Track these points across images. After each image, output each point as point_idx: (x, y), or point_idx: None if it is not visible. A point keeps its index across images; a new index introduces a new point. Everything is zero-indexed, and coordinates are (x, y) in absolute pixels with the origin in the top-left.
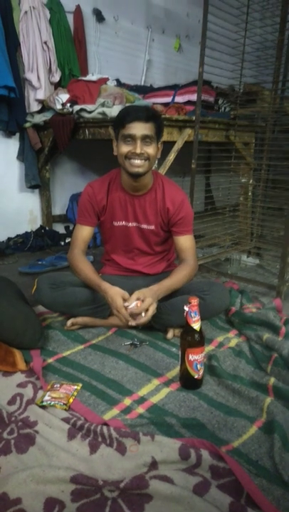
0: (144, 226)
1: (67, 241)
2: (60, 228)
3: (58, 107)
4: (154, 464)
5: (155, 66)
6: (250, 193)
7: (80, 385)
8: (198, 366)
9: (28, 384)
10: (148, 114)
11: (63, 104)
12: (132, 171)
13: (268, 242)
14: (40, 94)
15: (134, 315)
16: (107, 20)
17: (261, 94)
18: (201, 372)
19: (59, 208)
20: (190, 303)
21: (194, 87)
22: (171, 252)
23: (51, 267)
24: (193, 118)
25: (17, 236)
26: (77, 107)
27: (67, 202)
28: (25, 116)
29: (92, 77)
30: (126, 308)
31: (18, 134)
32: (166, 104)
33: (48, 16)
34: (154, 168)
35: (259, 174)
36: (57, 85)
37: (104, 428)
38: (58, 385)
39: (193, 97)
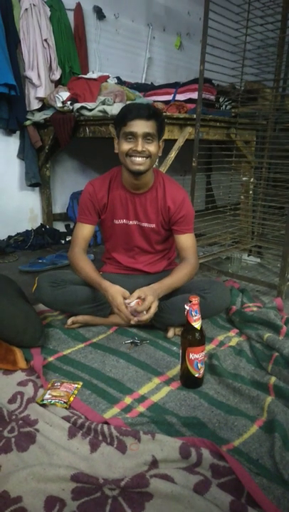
0: (145, 224)
1: (67, 239)
2: (60, 226)
3: (59, 104)
4: (154, 463)
5: (156, 64)
6: (251, 192)
7: (81, 383)
8: (199, 365)
9: (29, 382)
10: (149, 112)
11: (64, 102)
12: (133, 169)
13: (268, 241)
14: (41, 92)
15: (135, 313)
16: (108, 17)
17: (262, 91)
18: (201, 371)
19: (59, 206)
20: (191, 301)
21: (195, 85)
22: (171, 251)
23: (52, 266)
24: (194, 116)
25: (17, 234)
26: (77, 105)
27: (67, 200)
28: (26, 114)
29: (92, 74)
30: (126, 306)
31: (18, 132)
32: (166, 102)
33: (49, 13)
34: (154, 166)
35: (260, 172)
36: (57, 83)
37: (105, 427)
38: (59, 384)
39: (194, 95)
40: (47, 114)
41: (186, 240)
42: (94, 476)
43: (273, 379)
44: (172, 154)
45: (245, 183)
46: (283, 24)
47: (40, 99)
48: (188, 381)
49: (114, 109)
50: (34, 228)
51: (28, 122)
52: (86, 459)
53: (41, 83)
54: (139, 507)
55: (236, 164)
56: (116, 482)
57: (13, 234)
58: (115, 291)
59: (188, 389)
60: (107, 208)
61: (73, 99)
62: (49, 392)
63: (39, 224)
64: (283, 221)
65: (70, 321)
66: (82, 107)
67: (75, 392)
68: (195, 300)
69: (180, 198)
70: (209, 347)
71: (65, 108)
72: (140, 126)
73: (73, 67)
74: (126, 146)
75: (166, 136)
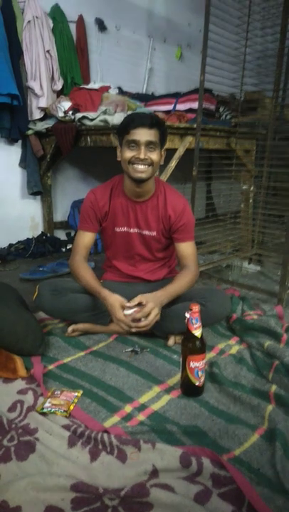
0: (146, 232)
1: (68, 247)
2: (61, 235)
3: (60, 114)
4: (154, 472)
5: (156, 74)
6: (251, 200)
7: (81, 391)
8: (200, 373)
9: (29, 391)
10: (152, 121)
11: (65, 112)
12: (135, 176)
13: (269, 249)
14: (43, 102)
15: (134, 320)
16: (109, 29)
17: (262, 101)
18: (202, 380)
19: (60, 215)
20: (191, 310)
21: (195, 95)
22: (172, 259)
23: (52, 274)
24: (195, 126)
25: (18, 242)
26: (79, 115)
27: (68, 208)
28: (28, 123)
29: (94, 85)
30: (125, 314)
31: (20, 142)
32: (167, 112)
33: (51, 25)
34: (155, 174)
35: (260, 181)
36: (59, 93)
37: (105, 435)
38: (59, 392)
39: (195, 105)
40: (49, 123)
41: (186, 248)
42: (94, 486)
43: (274, 387)
44: (173, 163)
45: (245, 192)
46: (282, 35)
47: (42, 109)
48: (189, 389)
49: (116, 118)
50: (35, 236)
51: (30, 132)
52: (86, 468)
53: (43, 93)
54: None
55: (236, 173)
56: (116, 492)
57: (14, 242)
58: (114, 300)
59: (189, 397)
60: (108, 215)
61: (75, 109)
62: (49, 400)
63: (40, 232)
64: (283, 229)
65: (70, 329)
66: (84, 117)
67: (75, 400)
68: (195, 308)
69: (181, 207)
70: (210, 355)
71: (67, 118)
72: (143, 135)
73: (75, 77)
74: (128, 154)
75: (166, 146)
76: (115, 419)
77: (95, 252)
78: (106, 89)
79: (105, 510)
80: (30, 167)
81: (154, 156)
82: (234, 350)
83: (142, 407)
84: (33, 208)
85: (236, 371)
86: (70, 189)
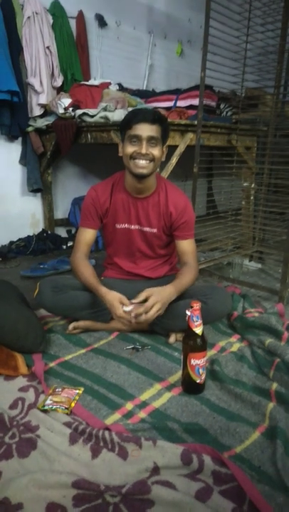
0: (147, 229)
1: (69, 245)
2: (62, 232)
3: (61, 111)
4: (155, 469)
5: (157, 71)
6: (252, 197)
7: (82, 389)
8: (201, 371)
9: (30, 388)
10: (155, 117)
11: (65, 109)
12: (136, 172)
13: (270, 247)
14: (43, 99)
15: (136, 316)
16: (109, 25)
17: (263, 98)
18: (203, 377)
19: (61, 212)
20: (192, 307)
21: (196, 91)
22: (173, 256)
23: (53, 271)
24: (195, 122)
25: (19, 240)
26: (79, 111)
27: (69, 206)
28: (28, 120)
29: (94, 81)
30: (125, 311)
31: (20, 138)
32: (168, 109)
33: (51, 21)
34: (156, 171)
35: (261, 178)
36: (59, 90)
37: (106, 433)
38: (60, 389)
39: (195, 102)
40: (49, 120)
41: (187, 246)
42: (95, 483)
43: (275, 385)
44: (173, 160)
45: (246, 189)
46: (283, 32)
47: (42, 106)
48: (190, 387)
49: (116, 115)
50: (36, 234)
51: (30, 128)
52: (87, 466)
53: (43, 90)
54: None
55: (237, 170)
56: (117, 489)
57: (14, 239)
58: (112, 298)
59: (190, 395)
60: (109, 212)
61: (75, 106)
62: (50, 397)
63: (41, 229)
64: (284, 227)
65: (71, 326)
66: (84, 114)
67: (77, 397)
68: (196, 305)
69: (182, 204)
70: (211, 353)
71: (67, 114)
72: (145, 130)
73: (75, 74)
74: (130, 149)
75: (167, 142)
76: (116, 416)
77: (96, 250)
78: (106, 85)
79: (107, 507)
80: (31, 164)
81: (156, 151)
82: (235, 347)
83: (143, 405)
84: (34, 205)
85: (237, 369)
86: (71, 186)
